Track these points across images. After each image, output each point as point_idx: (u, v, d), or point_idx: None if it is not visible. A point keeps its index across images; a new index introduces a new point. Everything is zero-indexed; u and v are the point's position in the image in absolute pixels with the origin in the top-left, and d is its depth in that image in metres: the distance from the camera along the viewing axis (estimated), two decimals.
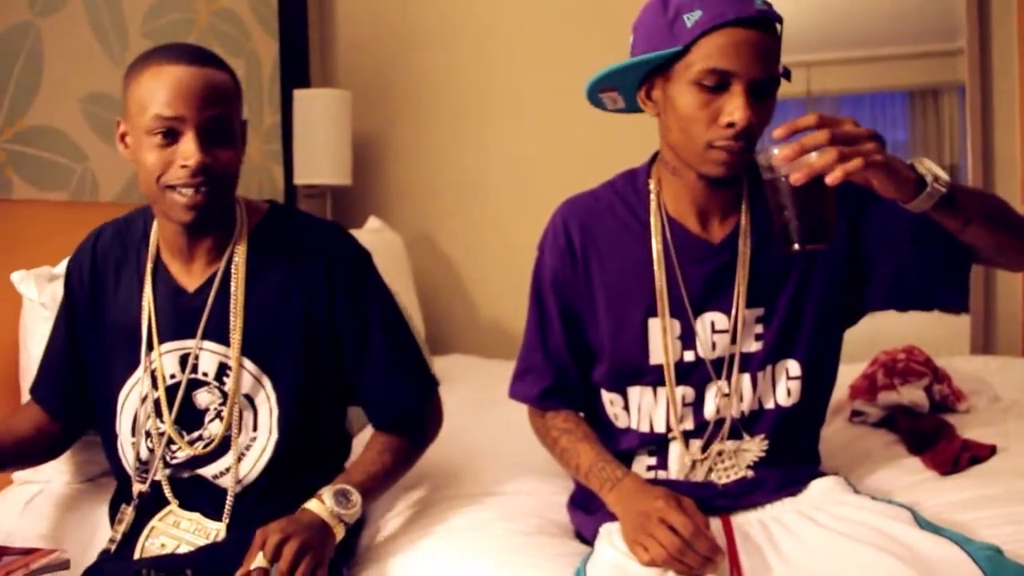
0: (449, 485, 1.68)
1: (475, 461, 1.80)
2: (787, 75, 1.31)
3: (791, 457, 1.42)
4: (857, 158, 1.06)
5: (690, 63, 1.26)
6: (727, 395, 1.39)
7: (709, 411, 1.40)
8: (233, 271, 1.44)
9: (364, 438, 1.59)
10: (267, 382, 1.43)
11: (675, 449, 1.41)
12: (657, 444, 1.42)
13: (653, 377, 1.41)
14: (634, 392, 1.43)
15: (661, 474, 1.42)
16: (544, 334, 1.51)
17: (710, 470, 1.40)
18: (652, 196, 1.43)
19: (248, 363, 1.42)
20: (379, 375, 1.48)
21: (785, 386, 1.40)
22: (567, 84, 3.14)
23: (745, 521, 1.36)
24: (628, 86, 1.41)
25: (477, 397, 2.40)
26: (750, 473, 1.40)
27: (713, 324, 1.39)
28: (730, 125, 1.25)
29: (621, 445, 1.45)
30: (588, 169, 3.11)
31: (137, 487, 1.46)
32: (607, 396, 1.47)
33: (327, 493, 1.34)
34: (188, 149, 1.31)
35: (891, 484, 1.56)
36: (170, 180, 1.32)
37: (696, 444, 1.40)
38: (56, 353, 1.56)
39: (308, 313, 1.44)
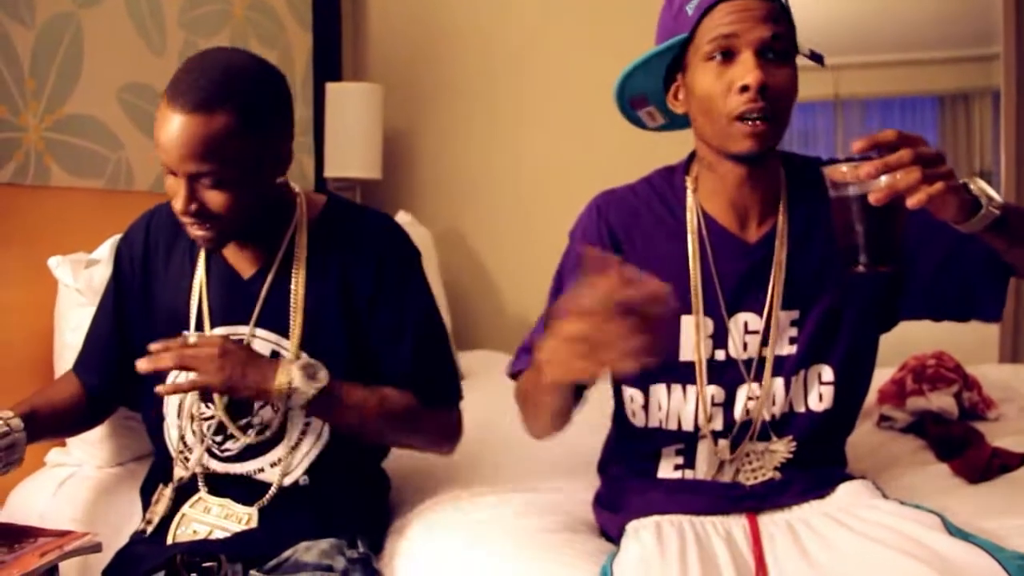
0: (474, 481, 1.68)
1: (500, 457, 1.81)
2: (819, 59, 1.30)
3: (819, 460, 1.41)
4: (939, 182, 1.04)
5: (698, 45, 1.28)
6: (757, 398, 1.38)
7: (739, 412, 1.39)
8: (294, 264, 1.44)
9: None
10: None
11: (703, 448, 1.40)
12: (685, 443, 1.42)
13: (682, 374, 1.40)
14: (656, 390, 1.41)
15: (688, 473, 1.42)
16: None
17: (737, 471, 1.40)
18: (688, 193, 1.42)
19: (303, 354, 1.42)
20: (405, 374, 1.46)
21: (817, 391, 1.39)
22: (597, 81, 3.14)
23: (771, 522, 1.35)
24: (657, 96, 1.42)
25: (502, 393, 2.40)
26: (777, 475, 1.39)
27: (746, 324, 1.38)
28: (744, 89, 1.23)
29: (646, 445, 1.45)
30: (617, 166, 3.11)
31: (179, 471, 1.47)
32: (627, 392, 1.45)
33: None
34: (177, 196, 1.31)
35: (919, 490, 1.55)
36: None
37: (724, 444, 1.39)
38: (101, 330, 1.57)
39: (354, 308, 1.44)
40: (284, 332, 1.43)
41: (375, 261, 1.45)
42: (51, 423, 1.49)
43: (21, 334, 1.87)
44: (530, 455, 1.80)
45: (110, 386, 1.57)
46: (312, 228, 1.46)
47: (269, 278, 1.43)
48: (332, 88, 3.03)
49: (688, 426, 1.40)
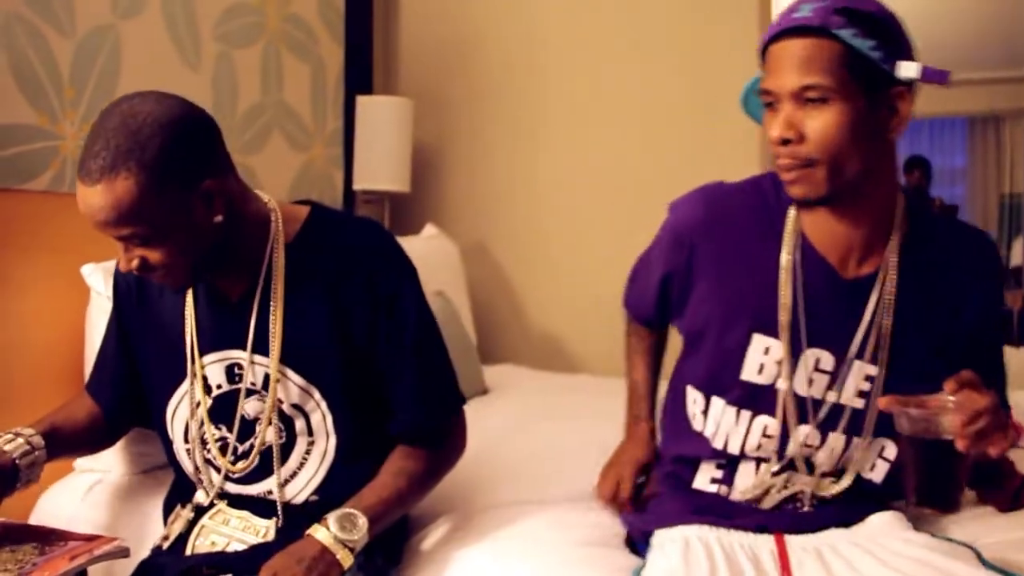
0: (496, 493, 1.68)
1: (522, 470, 1.81)
2: (935, 78, 1.22)
3: (860, 503, 1.38)
4: (1006, 442, 1.11)
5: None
6: (813, 446, 1.34)
7: (792, 450, 1.35)
8: (273, 285, 1.40)
9: None
10: (315, 391, 1.41)
11: (744, 471, 1.38)
12: (727, 461, 1.39)
13: (739, 394, 1.36)
14: (716, 404, 1.38)
15: (723, 490, 1.39)
16: (647, 270, 1.53)
17: (776, 502, 1.37)
18: (792, 211, 1.36)
19: (292, 374, 1.40)
20: (407, 387, 1.44)
21: (872, 461, 1.36)
22: (625, 96, 3.16)
23: (800, 546, 1.32)
24: None
25: (526, 408, 2.41)
26: (809, 509, 1.37)
27: (818, 361, 1.33)
28: (771, 140, 1.24)
29: (690, 450, 1.42)
30: (644, 186, 3.13)
31: (199, 497, 1.47)
32: (692, 394, 1.43)
33: (332, 518, 1.30)
34: (119, 256, 1.31)
35: (947, 518, 1.53)
36: None
37: (766, 469, 1.36)
38: (108, 353, 1.58)
39: (348, 327, 1.41)
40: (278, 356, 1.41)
41: (365, 277, 1.40)
42: (70, 441, 1.50)
43: (53, 339, 1.89)
44: (551, 469, 1.80)
45: (122, 405, 1.57)
46: (291, 246, 1.41)
47: (256, 300, 1.40)
48: (363, 101, 3.05)
49: (734, 449, 1.37)
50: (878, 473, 1.36)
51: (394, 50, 3.42)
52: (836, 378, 1.33)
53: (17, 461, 1.35)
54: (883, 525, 1.33)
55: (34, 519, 1.74)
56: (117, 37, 2.09)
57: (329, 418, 1.42)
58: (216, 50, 2.44)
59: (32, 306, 1.86)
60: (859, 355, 1.32)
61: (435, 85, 3.34)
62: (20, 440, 1.38)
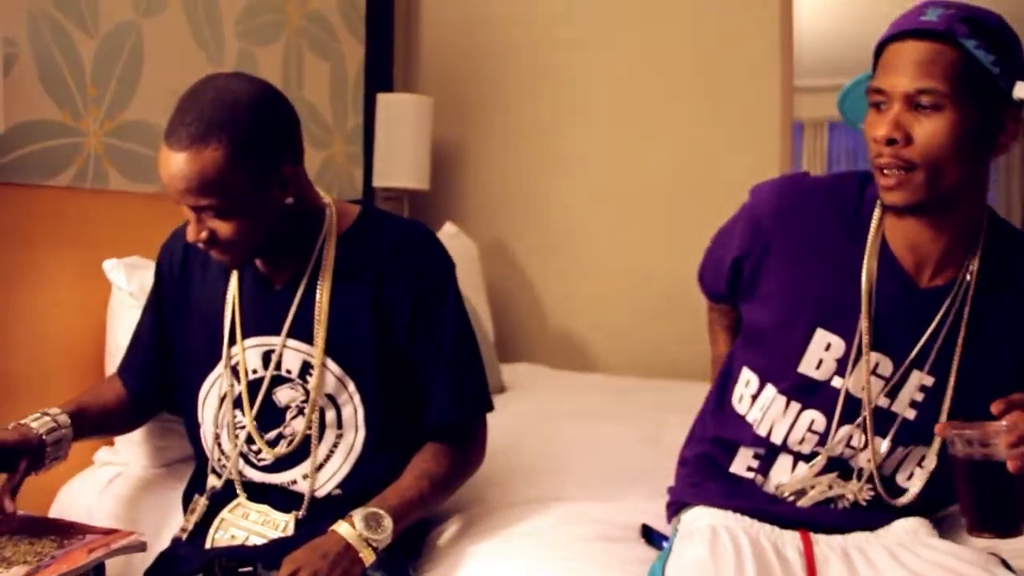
0: (513, 491, 1.68)
1: (539, 468, 1.81)
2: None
3: (888, 509, 1.37)
4: None
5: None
6: (857, 447, 1.34)
7: (834, 447, 1.34)
8: (320, 274, 1.44)
9: None
10: (350, 383, 1.44)
11: (781, 465, 1.38)
12: (766, 450, 1.39)
13: (792, 385, 1.35)
14: (768, 392, 1.38)
15: (758, 479, 1.39)
16: (721, 250, 1.51)
17: (814, 502, 1.37)
18: (877, 210, 1.34)
19: (332, 364, 1.43)
20: (442, 382, 1.47)
21: (912, 471, 1.36)
22: (645, 100, 3.15)
23: (827, 545, 1.31)
24: None
25: (545, 407, 2.41)
26: (841, 509, 1.37)
27: (877, 365, 1.32)
28: (875, 140, 1.22)
29: (731, 434, 1.42)
30: (662, 185, 3.13)
31: (211, 481, 1.50)
32: (746, 375, 1.42)
33: (358, 516, 1.32)
34: (189, 226, 1.34)
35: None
36: None
37: (803, 469, 1.36)
38: (143, 337, 1.60)
39: (389, 322, 1.44)
40: (314, 342, 1.44)
41: (412, 274, 1.45)
42: (97, 422, 1.53)
43: (75, 334, 1.91)
44: (567, 468, 1.80)
45: (151, 390, 1.60)
46: (342, 239, 1.46)
47: (300, 289, 1.44)
48: (383, 99, 3.06)
49: (777, 439, 1.37)
50: (915, 482, 1.36)
51: (415, 48, 3.42)
52: (891, 384, 1.32)
53: (44, 437, 1.38)
54: (908, 530, 1.33)
55: (54, 511, 1.76)
56: (140, 34, 2.11)
57: (360, 412, 1.44)
58: (237, 47, 2.46)
59: (54, 301, 1.88)
60: (919, 365, 1.31)
61: (455, 83, 3.35)
62: (47, 418, 1.41)
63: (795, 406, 1.35)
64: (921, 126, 1.19)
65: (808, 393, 1.34)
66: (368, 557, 1.29)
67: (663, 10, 3.07)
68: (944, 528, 1.38)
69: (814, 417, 1.34)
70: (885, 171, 1.22)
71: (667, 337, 3.02)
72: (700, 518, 1.36)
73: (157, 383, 1.59)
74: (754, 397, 1.40)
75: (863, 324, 1.30)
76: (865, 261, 1.31)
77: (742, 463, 1.41)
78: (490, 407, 1.55)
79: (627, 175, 3.12)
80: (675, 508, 1.46)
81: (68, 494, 1.79)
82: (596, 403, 2.46)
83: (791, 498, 1.37)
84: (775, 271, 1.38)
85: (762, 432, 1.38)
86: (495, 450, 1.71)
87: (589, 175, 3.18)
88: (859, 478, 1.35)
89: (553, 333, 3.26)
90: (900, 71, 1.19)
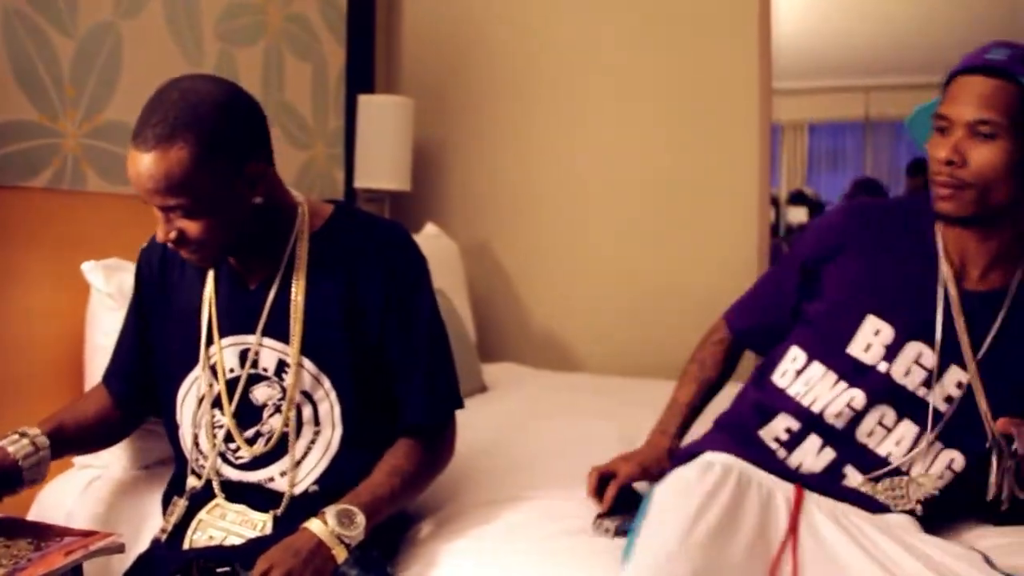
0: (493, 490, 1.69)
1: (520, 468, 1.82)
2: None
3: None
4: None
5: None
6: (885, 427, 1.41)
7: (861, 431, 1.42)
8: (294, 273, 1.45)
9: None
10: (326, 380, 1.45)
11: (811, 443, 1.44)
12: (802, 423, 1.45)
13: (838, 364, 1.44)
14: (815, 368, 1.46)
15: (781, 453, 1.45)
16: (776, 281, 1.64)
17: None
18: (938, 233, 1.45)
19: (307, 362, 1.44)
20: (415, 381, 1.48)
21: (941, 471, 1.41)
22: (626, 100, 3.17)
23: (817, 503, 1.38)
24: None
25: (526, 406, 2.42)
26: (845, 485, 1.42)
27: (920, 355, 1.41)
28: (937, 159, 1.34)
29: (772, 400, 1.49)
30: (644, 185, 3.14)
31: (191, 482, 1.49)
32: (793, 351, 1.51)
33: (331, 512, 1.32)
34: (158, 226, 1.35)
35: (955, 530, 1.49)
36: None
37: (829, 453, 1.43)
38: (126, 340, 1.61)
39: (362, 320, 1.45)
40: (289, 341, 1.44)
41: (385, 272, 1.46)
42: (77, 439, 1.53)
43: (54, 337, 1.90)
44: (548, 467, 1.81)
45: (137, 394, 1.60)
46: (315, 237, 1.47)
47: (273, 288, 1.45)
48: (364, 100, 3.06)
49: (817, 408, 1.44)
50: (940, 482, 1.40)
51: (396, 50, 3.43)
52: (931, 375, 1.39)
53: (20, 462, 1.38)
54: (898, 523, 1.37)
55: (33, 514, 1.75)
56: (118, 35, 2.10)
57: (337, 408, 1.45)
58: (217, 49, 2.45)
59: (32, 303, 1.87)
60: (957, 360, 1.39)
61: (436, 85, 3.35)
62: (25, 441, 1.41)
63: (841, 384, 1.43)
64: (978, 151, 1.32)
65: (854, 374, 1.42)
66: (340, 554, 1.30)
67: (643, 12, 3.09)
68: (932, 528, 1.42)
69: (854, 395, 1.42)
70: (942, 186, 1.35)
71: (648, 337, 3.03)
72: (706, 455, 1.44)
73: (141, 385, 1.59)
74: (799, 372, 1.49)
75: (938, 327, 1.40)
76: (942, 265, 1.42)
77: (772, 431, 1.47)
78: (460, 405, 1.56)
79: (608, 176, 3.13)
80: (685, 456, 1.50)
81: (48, 497, 1.78)
82: (577, 402, 2.47)
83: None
84: (843, 265, 1.49)
85: (805, 402, 1.45)
86: (475, 448, 1.71)
87: (570, 176, 3.20)
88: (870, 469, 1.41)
89: (534, 333, 3.27)
90: (964, 101, 1.33)
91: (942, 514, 1.42)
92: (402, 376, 1.48)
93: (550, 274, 3.23)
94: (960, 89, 1.34)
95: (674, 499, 1.33)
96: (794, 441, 1.45)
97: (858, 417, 1.42)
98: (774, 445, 1.46)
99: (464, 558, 1.46)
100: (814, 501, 1.38)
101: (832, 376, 1.44)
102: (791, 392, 1.47)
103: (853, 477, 1.41)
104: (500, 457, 1.88)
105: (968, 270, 1.42)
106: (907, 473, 1.40)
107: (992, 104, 1.31)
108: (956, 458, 1.39)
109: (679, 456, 1.53)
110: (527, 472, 1.78)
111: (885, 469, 1.40)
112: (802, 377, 1.48)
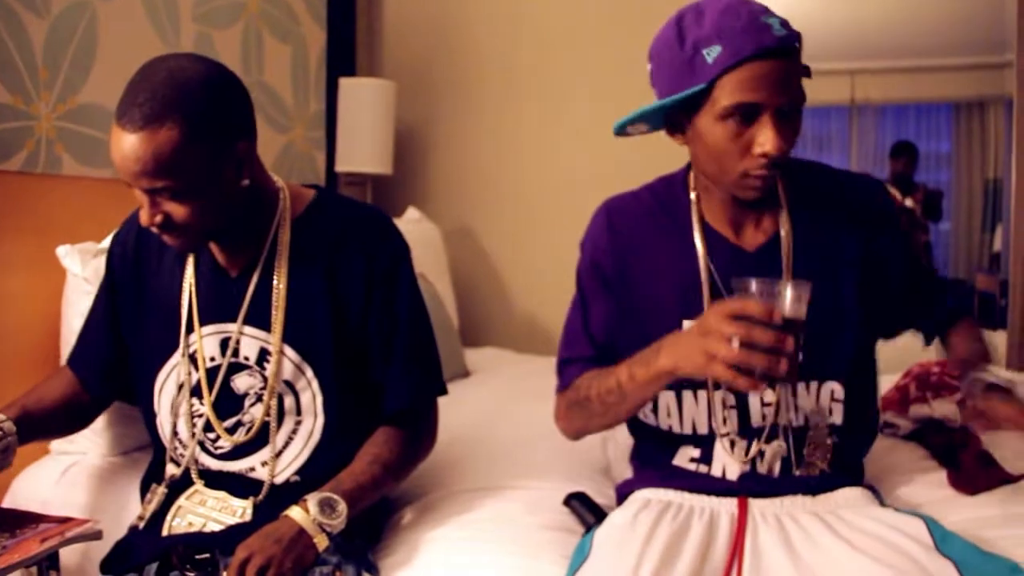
0: (476, 476, 1.69)
1: (502, 455, 1.82)
2: (807, 72, 1.28)
3: (837, 470, 1.40)
4: None
5: (715, 99, 1.24)
6: (768, 404, 1.37)
7: (755, 416, 1.38)
8: (276, 260, 1.43)
9: None
10: (308, 369, 1.43)
11: (721, 451, 1.40)
12: (702, 442, 1.41)
13: (689, 380, 1.36)
14: (665, 396, 1.40)
15: (703, 468, 1.41)
16: (586, 321, 1.51)
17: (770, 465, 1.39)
18: (693, 207, 1.42)
19: (289, 350, 1.43)
20: (397, 365, 1.47)
21: (828, 406, 1.39)
22: (609, 82, 3.15)
23: (760, 510, 1.34)
24: (654, 121, 1.41)
25: (508, 391, 2.41)
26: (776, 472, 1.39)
27: None
28: (764, 155, 1.24)
29: (667, 439, 1.44)
30: (626, 169, 3.12)
31: (170, 469, 1.48)
32: (663, 399, 1.43)
33: (312, 500, 1.31)
34: (142, 209, 1.31)
35: (918, 498, 1.55)
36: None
37: (742, 445, 1.39)
38: (95, 325, 1.58)
39: (344, 306, 1.44)
40: (271, 329, 1.43)
41: (366, 258, 1.44)
42: (44, 424, 1.49)
43: (29, 321, 1.88)
44: (532, 454, 1.81)
45: (105, 381, 1.57)
46: (296, 223, 1.45)
47: (255, 276, 1.43)
48: (345, 83, 3.04)
49: (703, 429, 1.40)
50: (837, 416, 1.39)
51: (377, 32, 3.40)
52: None
53: None
54: (849, 499, 1.36)
55: (8, 502, 1.73)
56: (93, 16, 2.07)
57: (319, 398, 1.44)
58: (195, 30, 2.42)
59: (7, 288, 1.85)
60: None
61: (418, 68, 3.33)
62: None
63: (702, 394, 1.38)
64: (790, 128, 1.26)
65: (690, 380, 1.35)
66: (322, 542, 1.29)
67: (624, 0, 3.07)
68: (888, 497, 1.44)
69: (723, 396, 1.37)
70: (764, 178, 1.28)
71: None
72: (642, 493, 1.40)
73: (110, 373, 1.56)
74: (654, 410, 1.42)
75: (705, 293, 1.37)
76: (699, 250, 1.38)
77: (684, 458, 1.43)
78: (443, 391, 1.55)
79: (590, 160, 3.12)
80: (622, 496, 1.48)
81: (23, 484, 1.76)
82: None
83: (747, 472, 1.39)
84: (632, 291, 1.43)
85: (687, 431, 1.40)
86: (457, 434, 1.70)
87: (553, 160, 3.19)
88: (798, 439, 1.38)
89: (517, 317, 3.26)
90: (773, 88, 1.23)
91: (852, 449, 1.42)
92: (384, 362, 1.47)
93: (533, 258, 3.23)
94: (761, 75, 1.22)
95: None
96: (707, 455, 1.41)
97: (741, 409, 1.37)
98: (692, 465, 1.42)
99: (447, 546, 1.46)
100: (759, 510, 1.34)
101: (690, 394, 1.38)
102: (663, 428, 1.42)
103: (773, 463, 1.38)
104: (483, 443, 1.87)
105: (743, 230, 1.39)
106: (806, 426, 1.38)
107: (798, 83, 1.27)
108: (835, 389, 1.38)
109: (619, 493, 1.50)
110: (510, 458, 1.78)
111: (779, 436, 1.37)
112: (660, 411, 1.41)
